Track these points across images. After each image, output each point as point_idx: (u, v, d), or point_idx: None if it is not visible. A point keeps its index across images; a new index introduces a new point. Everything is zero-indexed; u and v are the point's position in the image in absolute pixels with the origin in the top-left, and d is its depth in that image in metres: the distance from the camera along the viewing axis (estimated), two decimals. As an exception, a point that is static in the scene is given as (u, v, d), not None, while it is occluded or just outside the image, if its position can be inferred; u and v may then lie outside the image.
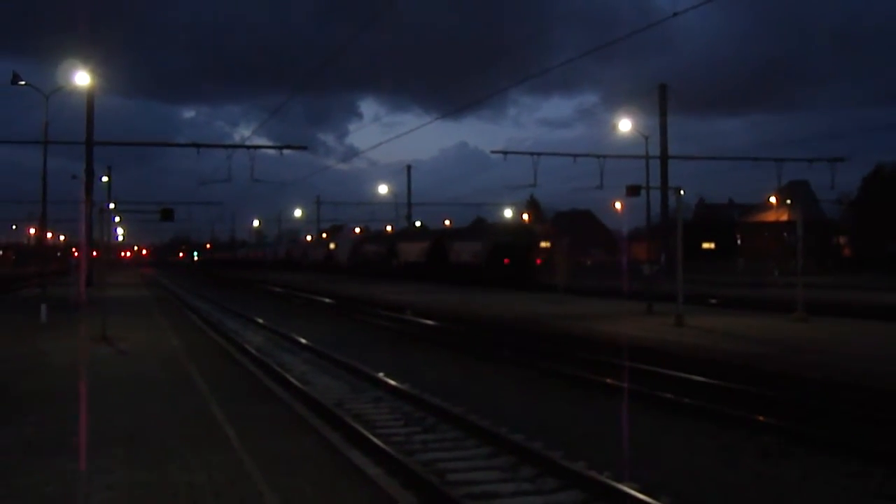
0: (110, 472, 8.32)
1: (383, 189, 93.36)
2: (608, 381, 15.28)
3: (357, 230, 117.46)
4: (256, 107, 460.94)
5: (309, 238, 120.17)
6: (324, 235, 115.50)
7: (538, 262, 51.59)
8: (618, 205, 68.63)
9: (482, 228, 63.89)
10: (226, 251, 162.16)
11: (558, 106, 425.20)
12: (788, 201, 79.11)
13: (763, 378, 13.97)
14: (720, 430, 11.81)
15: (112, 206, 33.44)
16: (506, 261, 48.88)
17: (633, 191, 24.55)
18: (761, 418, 11.92)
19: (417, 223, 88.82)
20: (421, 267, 57.48)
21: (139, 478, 8.17)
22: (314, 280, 61.11)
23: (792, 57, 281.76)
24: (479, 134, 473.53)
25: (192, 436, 10.05)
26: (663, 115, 52.87)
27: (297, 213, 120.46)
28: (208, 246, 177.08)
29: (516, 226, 61.81)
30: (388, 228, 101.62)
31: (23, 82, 33.72)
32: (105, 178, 59.92)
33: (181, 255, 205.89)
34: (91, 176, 49.88)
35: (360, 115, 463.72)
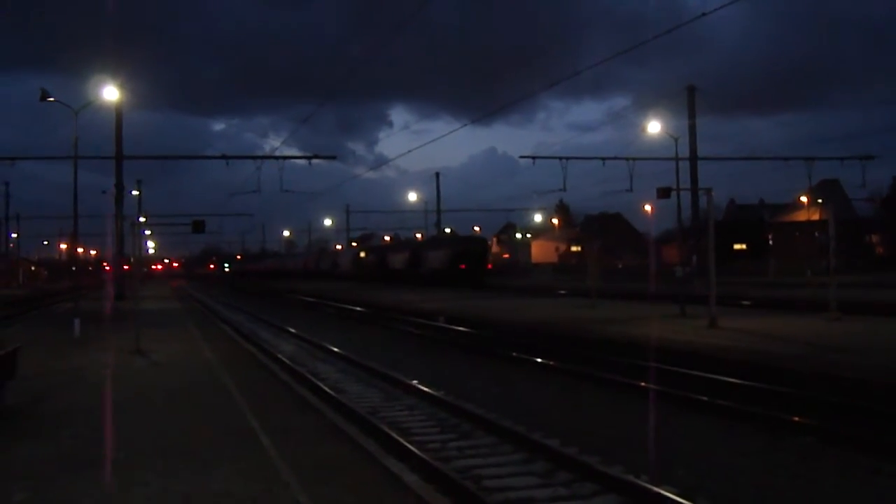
0: (147, 484, 8.34)
1: (413, 197, 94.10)
2: (643, 384, 15.18)
3: (387, 238, 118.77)
4: (286, 118, 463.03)
5: (339, 247, 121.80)
6: (353, 244, 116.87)
7: (489, 266, 60.92)
8: (648, 207, 68.38)
9: (445, 239, 75.75)
10: (250, 262, 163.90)
11: (588, 109, 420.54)
12: (819, 200, 78.40)
13: (798, 378, 13.79)
14: (756, 431, 11.69)
15: (142, 219, 33.58)
16: (462, 266, 57.37)
17: (663, 193, 24.35)
18: (797, 419, 11.79)
19: (447, 230, 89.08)
20: (403, 273, 67.62)
21: (176, 488, 8.18)
22: (324, 288, 64.01)
23: (820, 56, 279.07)
24: (507, 139, 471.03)
25: (228, 445, 10.07)
26: (692, 116, 52.44)
27: (328, 222, 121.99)
28: (238, 257, 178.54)
29: (471, 236, 73.09)
30: (419, 236, 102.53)
31: (51, 98, 34.12)
32: (135, 192, 60.54)
33: (212, 266, 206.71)
34: (121, 190, 50.41)
35: (389, 124, 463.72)
